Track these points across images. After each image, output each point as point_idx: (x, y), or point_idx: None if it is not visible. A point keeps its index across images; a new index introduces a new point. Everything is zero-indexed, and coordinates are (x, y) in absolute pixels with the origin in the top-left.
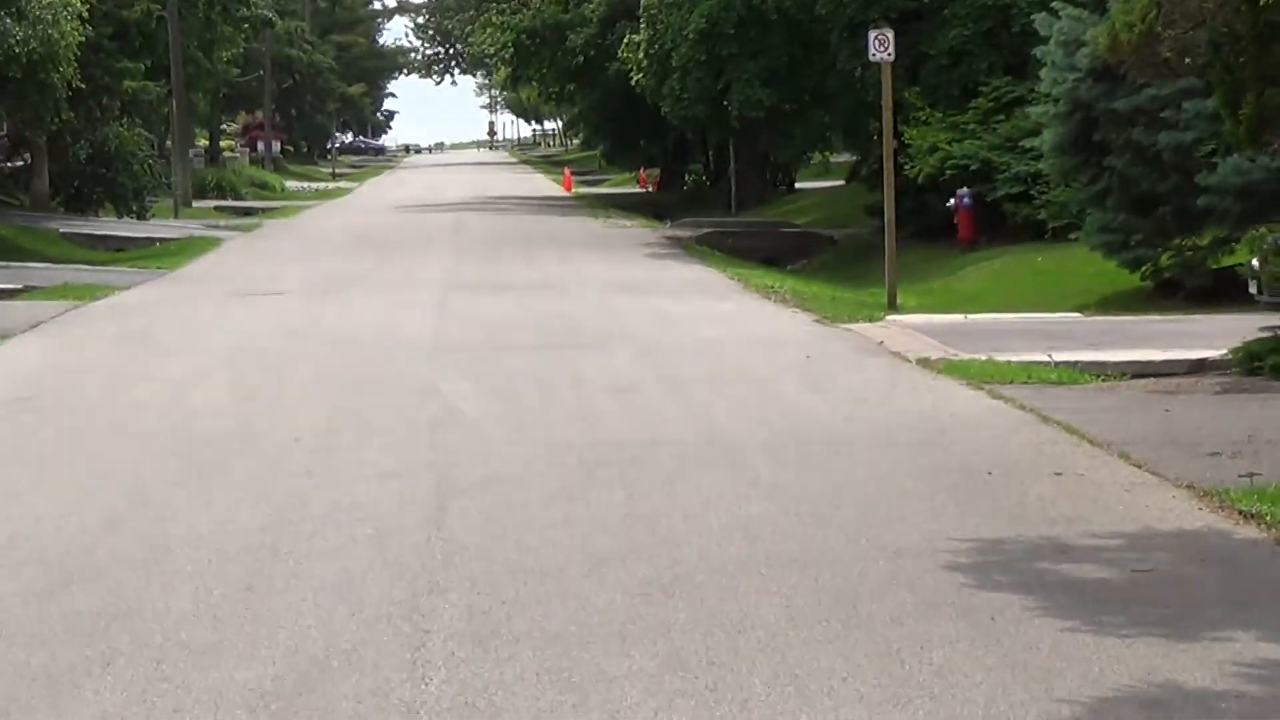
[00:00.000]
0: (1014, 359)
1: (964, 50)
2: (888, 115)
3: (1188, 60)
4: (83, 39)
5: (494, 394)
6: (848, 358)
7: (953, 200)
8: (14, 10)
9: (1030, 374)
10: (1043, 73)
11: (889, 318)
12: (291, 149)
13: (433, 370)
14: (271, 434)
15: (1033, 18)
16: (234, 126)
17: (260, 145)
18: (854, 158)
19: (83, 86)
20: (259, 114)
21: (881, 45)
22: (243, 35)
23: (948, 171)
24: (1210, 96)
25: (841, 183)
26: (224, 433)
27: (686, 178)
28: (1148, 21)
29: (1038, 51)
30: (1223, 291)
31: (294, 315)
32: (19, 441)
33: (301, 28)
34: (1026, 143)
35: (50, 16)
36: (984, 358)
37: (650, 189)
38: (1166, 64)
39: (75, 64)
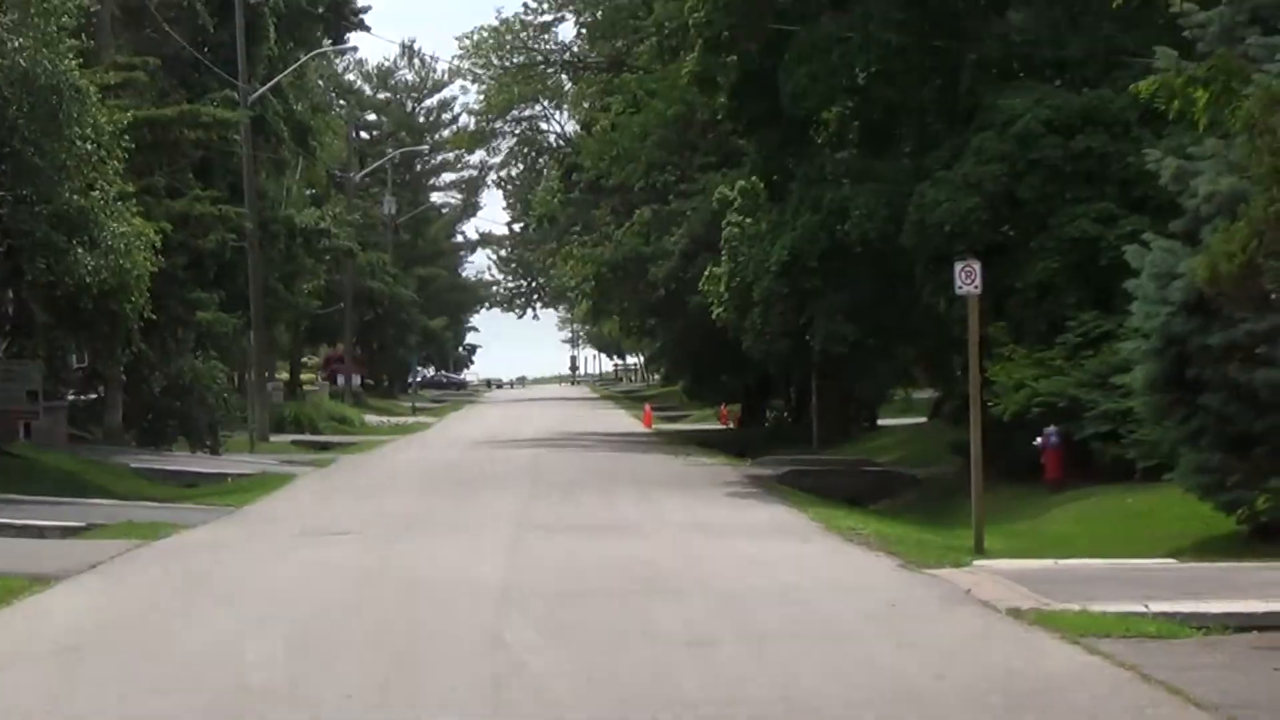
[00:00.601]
0: (1109, 609)
1: (1051, 284)
2: (974, 350)
3: None
4: (155, 269)
5: (563, 646)
6: (934, 607)
7: (1040, 439)
8: (85, 239)
9: (1128, 626)
10: (1134, 307)
11: (976, 562)
12: (372, 382)
13: (499, 619)
14: (323, 691)
15: (1123, 250)
16: (315, 359)
17: (340, 378)
18: (936, 394)
19: (155, 318)
20: (340, 347)
21: (968, 278)
22: (324, 267)
23: (1034, 409)
24: None
25: (924, 420)
26: (272, 691)
27: (768, 414)
28: (1248, 252)
29: (1129, 285)
30: None
31: (360, 558)
32: (57, 696)
33: (384, 259)
34: (1116, 379)
35: (123, 246)
36: (1077, 608)
37: (731, 425)
38: (1267, 297)
39: (147, 295)
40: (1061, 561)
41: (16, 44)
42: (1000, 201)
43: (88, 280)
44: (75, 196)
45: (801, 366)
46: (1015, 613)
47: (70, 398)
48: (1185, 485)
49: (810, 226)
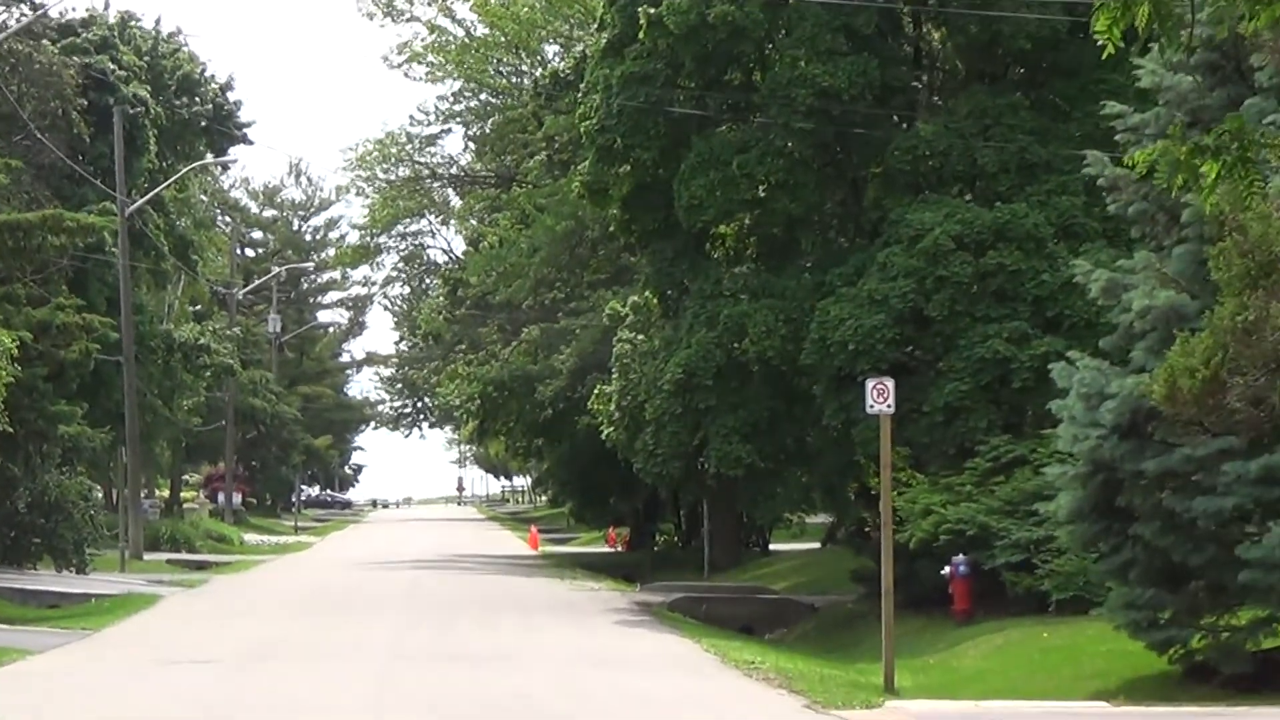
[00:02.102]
0: None
1: (960, 406)
2: (886, 473)
3: (1260, 411)
4: (11, 379)
5: None
6: None
7: (948, 568)
8: None
9: None
10: (1060, 429)
11: (889, 703)
12: (254, 501)
13: None
14: None
15: (1037, 370)
16: (197, 477)
17: (221, 497)
18: (829, 519)
19: (11, 430)
20: (221, 465)
21: (880, 396)
22: (204, 384)
23: (942, 536)
24: (1253, 458)
25: (817, 545)
26: None
27: (657, 537)
28: (1212, 367)
29: (1054, 406)
30: (1265, 679)
31: (215, 690)
32: None
33: (267, 377)
34: (1038, 506)
35: None
36: None
37: (620, 549)
38: (1232, 415)
39: (1, 406)
40: (983, 703)
41: None
42: (907, 319)
43: None
44: None
45: (694, 489)
46: None
47: None
48: (1113, 621)
49: (705, 343)
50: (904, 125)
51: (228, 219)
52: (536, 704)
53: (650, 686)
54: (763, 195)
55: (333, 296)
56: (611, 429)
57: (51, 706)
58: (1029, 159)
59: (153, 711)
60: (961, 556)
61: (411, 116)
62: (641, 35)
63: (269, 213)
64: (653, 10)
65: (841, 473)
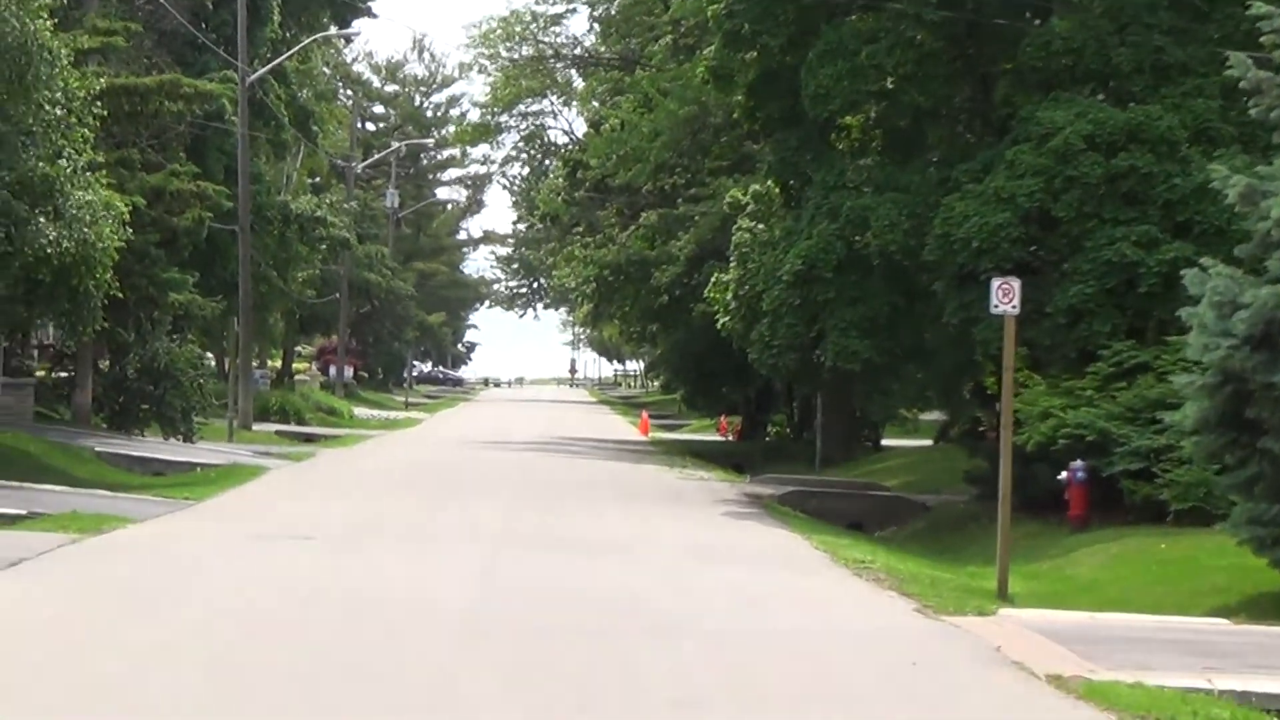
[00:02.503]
0: (1167, 683)
1: (1084, 309)
2: (1008, 376)
3: None
4: (123, 244)
5: (524, 701)
6: (961, 670)
7: (1065, 473)
8: (49, 209)
9: (1195, 710)
10: (1190, 337)
11: (1002, 611)
12: (366, 375)
13: (456, 659)
14: None
15: (1165, 275)
16: (309, 349)
17: (333, 370)
18: (942, 417)
19: (121, 295)
20: (334, 338)
21: (1006, 296)
22: (319, 256)
23: (1060, 441)
24: None
25: (929, 443)
26: None
27: (769, 428)
28: None
29: (1184, 313)
30: None
31: (312, 569)
32: None
33: (383, 252)
34: (1160, 415)
35: (88, 217)
36: (1130, 680)
37: (731, 438)
38: None
39: (113, 271)
40: (1099, 615)
41: None
42: (1033, 219)
43: (48, 251)
44: (40, 164)
45: (809, 382)
46: (1057, 680)
47: (39, 375)
48: (1235, 536)
49: (826, 235)
50: (1037, 21)
51: (349, 92)
52: (642, 598)
53: (758, 584)
54: (890, 87)
55: (452, 174)
56: (727, 318)
57: (144, 579)
58: (1165, 59)
59: (246, 588)
60: (1079, 462)
61: None
62: None
63: (391, 88)
64: None
65: (958, 371)
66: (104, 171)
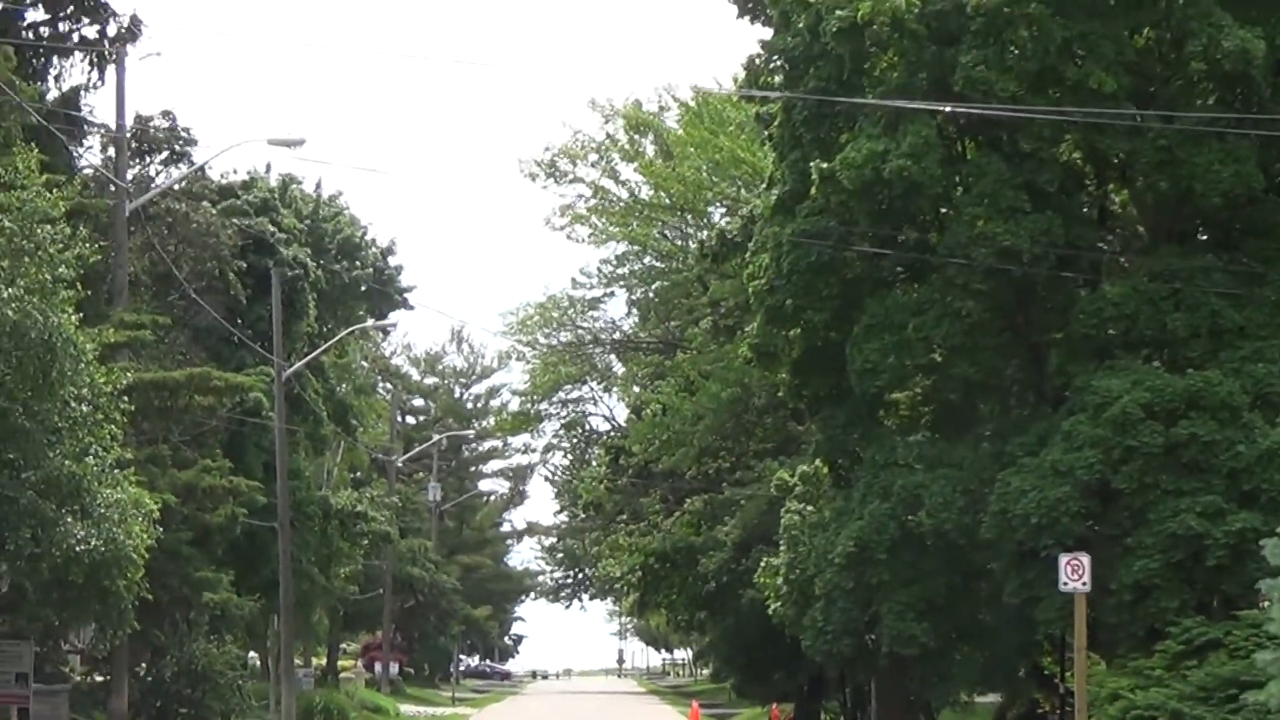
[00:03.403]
0: None
1: (1149, 585)
2: (1080, 656)
3: None
4: (154, 543)
5: None
6: None
7: None
8: (77, 509)
9: None
10: (1271, 610)
11: None
12: (412, 671)
13: None
14: None
15: (1261, 544)
16: (354, 646)
17: (378, 666)
18: (997, 699)
19: (151, 596)
20: (379, 634)
21: (1075, 573)
22: (361, 551)
23: None
24: None
25: None
26: None
27: (822, 716)
28: None
29: (1264, 584)
30: None
31: None
32: None
33: (426, 546)
34: (1245, 696)
35: (116, 516)
36: None
37: None
38: None
39: (143, 570)
40: None
41: (6, 294)
42: (1093, 492)
43: (77, 551)
44: (67, 462)
45: (866, 669)
46: None
47: (75, 680)
48: None
49: (879, 515)
50: (1086, 289)
51: (388, 385)
52: None
53: None
54: (939, 360)
55: (493, 465)
56: (779, 603)
57: None
58: (1221, 324)
59: None
60: None
61: (573, 279)
62: (814, 191)
63: (430, 380)
64: (825, 165)
65: (1018, 652)
66: (133, 469)
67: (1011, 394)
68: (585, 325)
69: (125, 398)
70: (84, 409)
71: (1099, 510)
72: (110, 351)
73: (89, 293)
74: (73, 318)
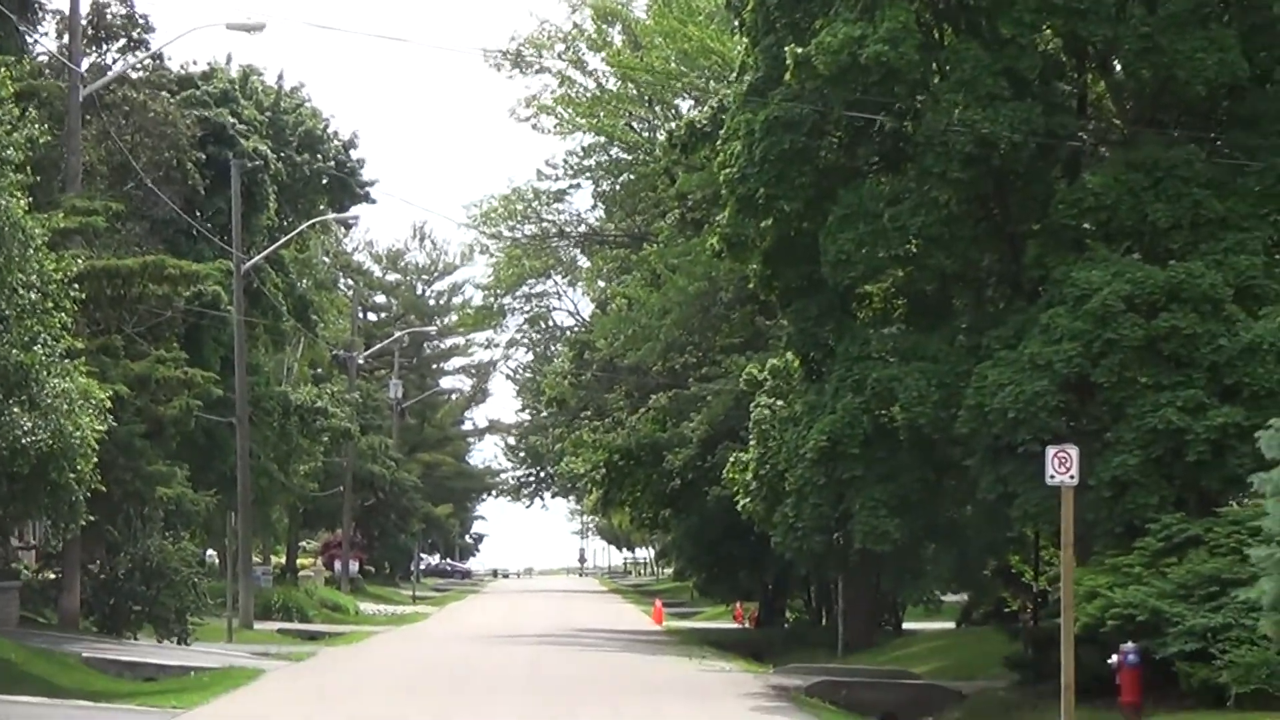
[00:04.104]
0: None
1: (1128, 480)
2: (1068, 552)
3: None
4: (104, 434)
5: None
6: None
7: (1115, 657)
8: (24, 399)
9: None
10: (1269, 505)
11: None
12: (372, 569)
13: None
14: None
15: (1256, 436)
16: (314, 544)
17: (338, 565)
18: (963, 597)
19: (104, 489)
20: (339, 532)
21: (1062, 465)
22: (321, 448)
23: (1109, 622)
24: None
25: (951, 625)
26: None
27: (787, 614)
28: None
29: (1257, 478)
30: None
31: None
32: None
33: (386, 443)
34: (1236, 592)
35: (65, 406)
36: None
37: (748, 625)
38: None
39: (93, 463)
40: None
41: None
42: (1071, 386)
43: (24, 443)
44: (14, 351)
45: (836, 564)
46: None
47: (26, 577)
48: None
49: (851, 409)
50: (1065, 179)
51: (349, 281)
52: None
53: None
54: (914, 251)
55: (455, 363)
56: (748, 500)
57: None
58: (1203, 214)
59: None
60: (1130, 644)
61: (539, 171)
62: (788, 77)
63: (392, 276)
64: (800, 50)
65: (991, 550)
66: (84, 359)
67: (988, 286)
68: (550, 218)
69: (76, 285)
70: (32, 296)
71: (1077, 405)
72: (61, 239)
73: (38, 178)
74: (21, 202)
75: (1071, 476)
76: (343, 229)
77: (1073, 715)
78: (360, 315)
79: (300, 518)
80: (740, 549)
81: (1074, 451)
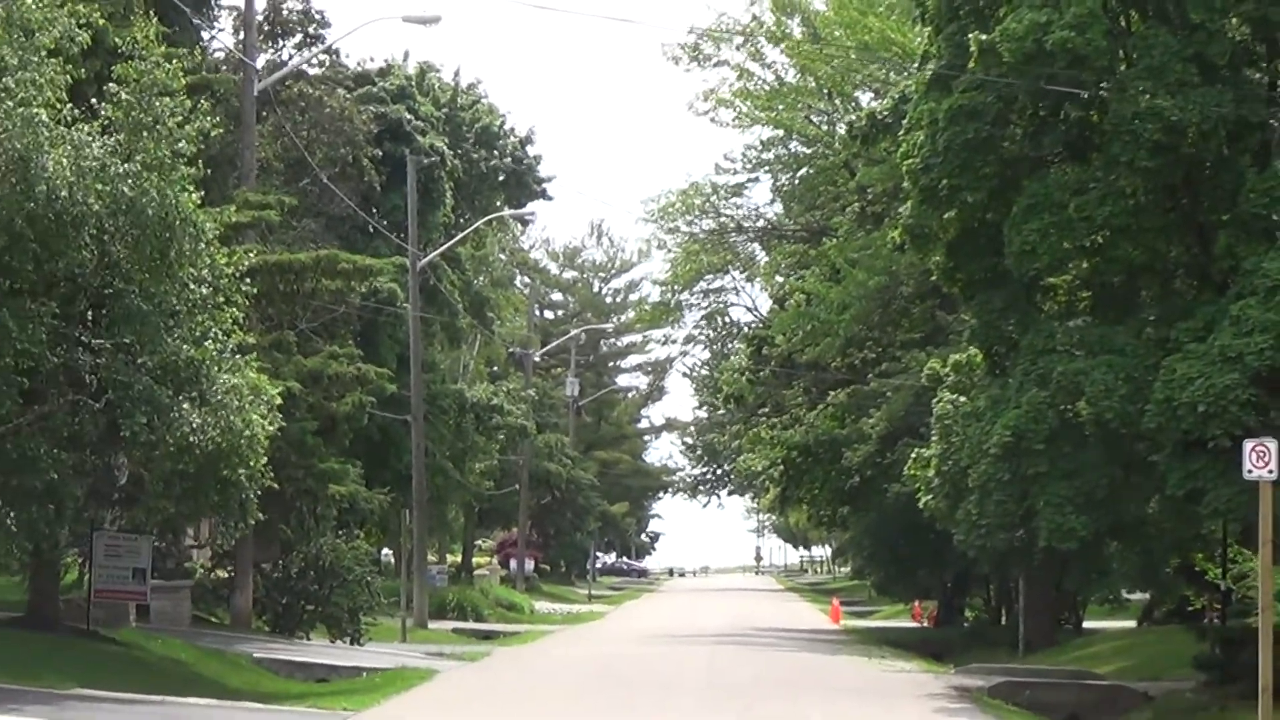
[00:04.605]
0: None
1: None
2: (1266, 550)
3: None
4: (276, 431)
5: None
6: None
7: None
8: (194, 396)
9: None
10: None
11: None
12: (548, 568)
13: None
14: None
15: None
16: (489, 542)
17: (513, 563)
18: (1145, 596)
19: (274, 485)
20: (515, 530)
21: (1261, 460)
22: (497, 446)
23: None
24: None
25: (1132, 624)
26: None
27: (966, 612)
28: None
29: None
30: None
31: None
32: None
33: (562, 441)
34: None
35: (235, 403)
36: None
37: (926, 624)
38: None
39: (263, 459)
40: None
41: (122, 169)
42: (1264, 379)
43: (192, 440)
44: (185, 346)
45: (1022, 563)
46: None
47: (197, 576)
48: None
49: (1036, 403)
50: (1255, 167)
51: (526, 279)
52: None
53: None
54: (1101, 242)
55: (632, 361)
56: (929, 497)
57: None
58: None
59: None
60: None
61: (717, 165)
62: (971, 65)
63: (569, 274)
64: (984, 37)
65: (1180, 548)
66: (255, 355)
67: (1176, 277)
68: (728, 213)
69: (247, 280)
70: (203, 291)
71: (1269, 398)
72: (234, 234)
73: (210, 171)
74: (193, 196)
75: (1270, 471)
76: (519, 226)
77: (1271, 718)
78: (537, 313)
79: (476, 516)
80: (919, 547)
81: (1273, 445)
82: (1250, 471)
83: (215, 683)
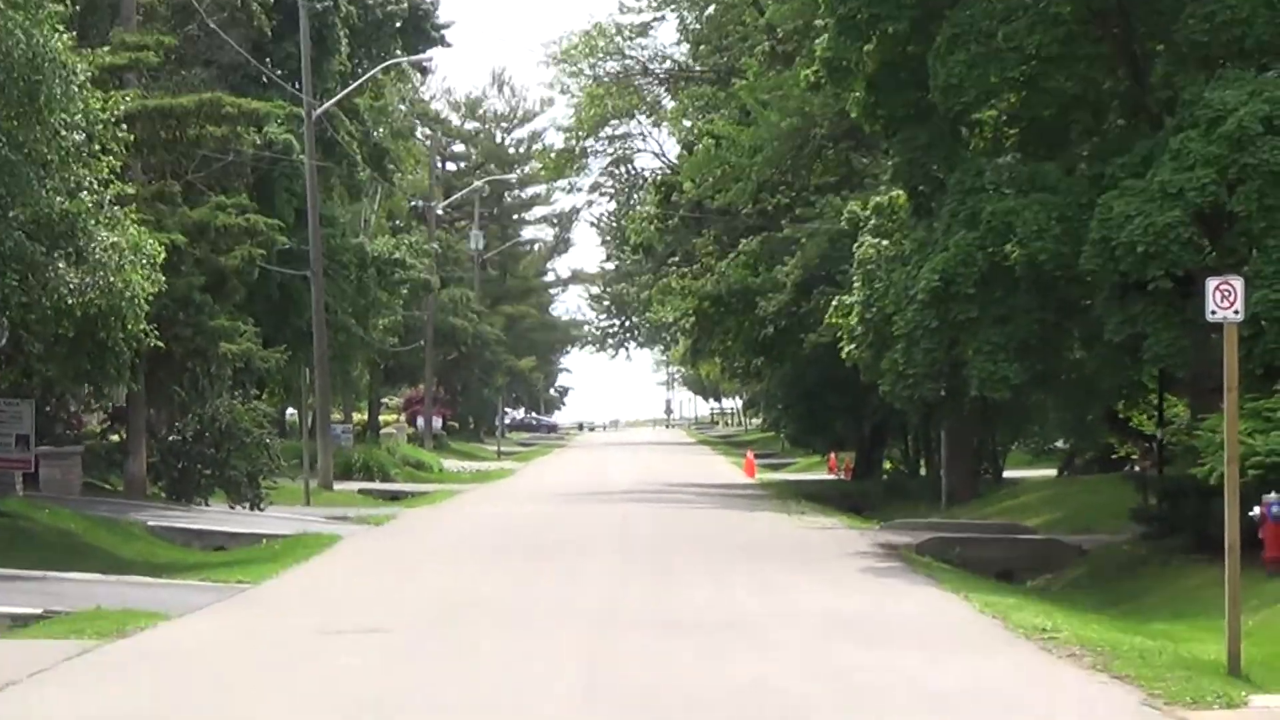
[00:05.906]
0: None
1: (1270, 318)
2: (1231, 397)
3: None
4: (157, 290)
5: None
6: None
7: (1257, 509)
8: (70, 251)
9: None
10: None
11: (1255, 700)
12: (456, 425)
13: None
14: None
15: None
16: (396, 400)
17: (420, 421)
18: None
19: (161, 347)
20: (421, 387)
21: (1226, 300)
22: (400, 301)
23: (1249, 471)
24: None
25: (1052, 473)
26: None
27: (885, 464)
28: None
29: None
30: None
31: (381, 675)
32: None
33: (468, 296)
34: None
35: (115, 261)
36: None
37: (842, 476)
38: None
39: (145, 320)
40: None
41: None
42: (1206, 216)
43: (70, 302)
44: (59, 199)
45: (952, 414)
46: None
47: (90, 442)
48: None
49: (965, 245)
50: None
51: (427, 131)
52: (786, 699)
53: (927, 669)
54: (1031, 73)
55: (537, 213)
56: (853, 345)
57: (165, 708)
58: None
59: (309, 700)
60: (1273, 495)
61: (621, 4)
62: None
63: (470, 124)
64: None
65: (1116, 395)
66: (135, 206)
67: (1111, 110)
68: (633, 54)
69: (125, 126)
70: (77, 138)
71: (1212, 237)
72: (112, 78)
73: (79, 8)
74: (64, 36)
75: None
76: (419, 75)
77: (1237, 581)
78: (439, 165)
79: (381, 374)
80: (837, 397)
81: (1239, 283)
82: (1214, 313)
83: (106, 554)
